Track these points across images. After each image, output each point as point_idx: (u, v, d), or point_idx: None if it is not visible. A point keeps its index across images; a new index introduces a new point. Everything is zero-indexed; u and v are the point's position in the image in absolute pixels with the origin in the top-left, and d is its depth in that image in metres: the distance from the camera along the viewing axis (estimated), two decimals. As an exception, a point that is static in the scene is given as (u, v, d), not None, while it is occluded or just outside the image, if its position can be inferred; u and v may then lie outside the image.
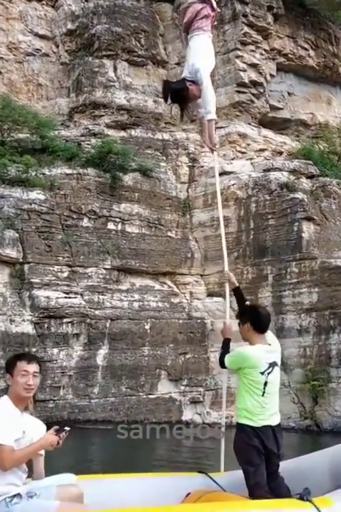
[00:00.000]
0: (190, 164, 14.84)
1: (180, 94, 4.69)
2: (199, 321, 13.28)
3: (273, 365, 3.62)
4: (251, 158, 14.62)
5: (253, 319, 3.74)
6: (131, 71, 15.53)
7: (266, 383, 3.58)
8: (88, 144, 13.95)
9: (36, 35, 15.81)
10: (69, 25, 15.81)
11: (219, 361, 3.99)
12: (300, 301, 12.88)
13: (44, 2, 16.27)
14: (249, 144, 14.90)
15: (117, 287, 12.67)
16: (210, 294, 13.88)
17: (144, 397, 12.15)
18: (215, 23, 5.12)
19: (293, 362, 12.86)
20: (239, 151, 14.76)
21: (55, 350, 11.23)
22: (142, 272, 13.23)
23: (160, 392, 12.32)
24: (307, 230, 13.00)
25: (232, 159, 14.58)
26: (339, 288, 12.65)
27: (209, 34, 5.02)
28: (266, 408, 3.58)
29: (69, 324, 11.48)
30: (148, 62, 15.77)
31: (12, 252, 11.27)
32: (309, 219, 13.10)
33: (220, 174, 14.11)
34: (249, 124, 15.21)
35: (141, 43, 15.72)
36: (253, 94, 15.25)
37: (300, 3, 16.57)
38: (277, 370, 3.68)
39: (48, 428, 2.97)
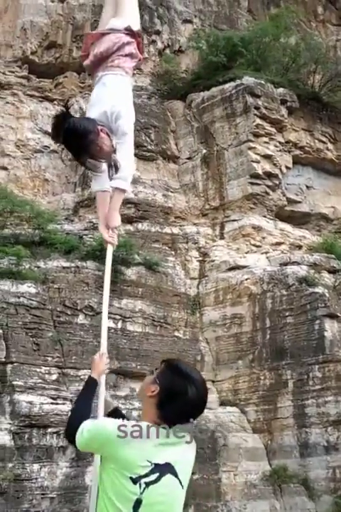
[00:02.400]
0: (200, 259, 13.74)
1: (81, 138, 2.98)
2: (209, 434, 11.49)
3: (162, 469, 1.98)
4: (266, 252, 13.45)
5: (168, 391, 2.17)
6: (140, 165, 14.96)
7: (138, 503, 1.95)
8: (90, 238, 13.09)
9: (45, 132, 15.57)
10: (79, 123, 15.59)
11: (69, 427, 2.32)
12: (326, 412, 11.08)
13: (55, 102, 16.24)
14: (264, 238, 13.80)
15: (114, 393, 11.15)
16: (223, 403, 12.22)
17: (142, 526, 10.21)
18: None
19: (320, 486, 10.87)
20: (254, 245, 13.64)
21: (36, 467, 9.62)
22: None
23: (160, 521, 10.36)
24: (331, 328, 11.46)
25: (246, 253, 13.43)
26: (371, 396, 10.89)
27: (131, 81, 3.59)
28: None
29: (55, 435, 9.94)
30: (158, 157, 15.24)
31: (-7, 350, 10.06)
32: (332, 316, 11.60)
33: (233, 268, 12.99)
34: (264, 216, 14.20)
35: (150, 137, 15.29)
36: (268, 186, 14.37)
37: (315, 98, 16.09)
38: (172, 483, 2.00)
39: None
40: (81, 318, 11.51)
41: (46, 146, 15.44)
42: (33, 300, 10.92)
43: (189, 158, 15.36)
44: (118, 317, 11.94)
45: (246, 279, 12.66)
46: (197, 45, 16.81)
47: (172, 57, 16.95)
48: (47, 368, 10.58)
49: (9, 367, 10.23)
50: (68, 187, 15.18)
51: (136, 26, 3.63)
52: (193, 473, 9.81)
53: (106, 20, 3.65)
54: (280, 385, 11.62)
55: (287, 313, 11.92)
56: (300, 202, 15.39)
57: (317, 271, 12.56)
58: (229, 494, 11.14)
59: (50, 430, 9.92)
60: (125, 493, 1.97)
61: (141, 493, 1.97)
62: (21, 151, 15.24)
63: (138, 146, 15.11)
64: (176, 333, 12.60)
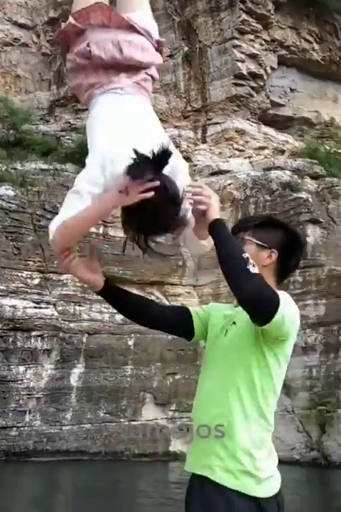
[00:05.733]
0: (182, 163, 13.41)
1: (176, 212, 1.94)
2: (190, 336, 11.72)
3: None
4: (249, 157, 13.21)
5: (286, 247, 1.82)
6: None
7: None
8: (68, 139, 12.56)
9: (15, 23, 14.54)
10: (52, 14, 14.55)
11: (251, 284, 1.60)
12: (305, 315, 11.32)
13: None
14: (247, 142, 13.51)
15: (97, 297, 11.10)
16: (204, 307, 12.39)
17: (126, 423, 10.56)
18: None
19: (297, 384, 11.30)
20: (237, 149, 13.35)
21: (21, 368, 9.69)
22: (126, 281, 11.69)
23: (144, 419, 10.73)
24: (313, 233, 11.53)
25: (229, 157, 13.17)
26: (350, 299, 11.16)
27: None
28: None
29: (39, 338, 9.95)
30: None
31: (-27, 255, 9.80)
32: (314, 221, 11.64)
33: (215, 173, 12.75)
34: (248, 119, 13.82)
35: (129, 32, 14.39)
36: (252, 88, 13.89)
37: (303, -7, 15.28)
38: None
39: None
40: (61, 223, 11.24)
41: (16, 38, 14.45)
42: (11, 203, 10.55)
43: (170, 56, 14.60)
44: (99, 222, 11.70)
45: (229, 185, 12.48)
46: None
47: None
48: (29, 273, 10.42)
49: (-10, 271, 10.03)
50: (42, 84, 14.38)
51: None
52: (175, 374, 9.99)
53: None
54: (261, 289, 11.78)
55: (270, 219, 11.89)
56: (283, 105, 15.01)
57: (300, 176, 12.44)
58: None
59: (34, 333, 9.92)
60: (282, 376, 1.80)
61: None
62: (-10, 44, 14.24)
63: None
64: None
